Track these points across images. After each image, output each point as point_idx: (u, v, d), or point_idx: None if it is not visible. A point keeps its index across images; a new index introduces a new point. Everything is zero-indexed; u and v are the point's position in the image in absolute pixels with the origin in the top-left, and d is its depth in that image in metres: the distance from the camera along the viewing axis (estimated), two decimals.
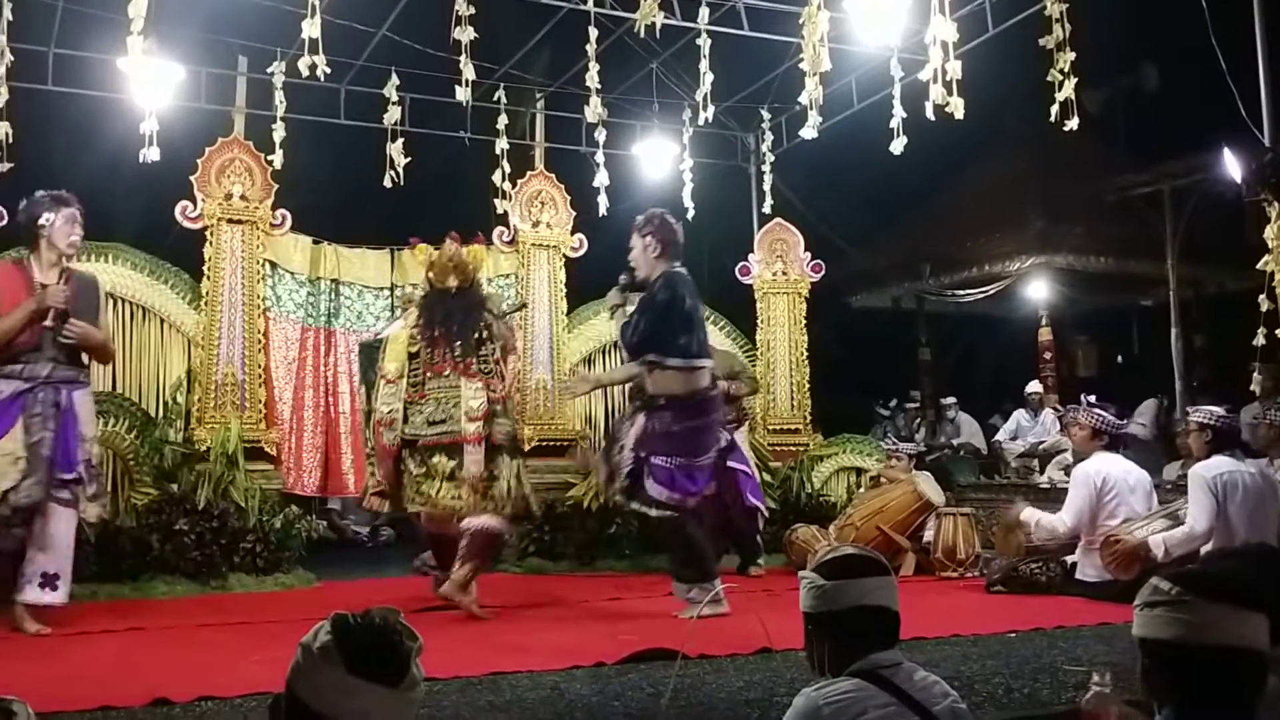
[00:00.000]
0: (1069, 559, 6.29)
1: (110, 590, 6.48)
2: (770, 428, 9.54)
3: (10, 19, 7.49)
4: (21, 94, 7.79)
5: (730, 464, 7.51)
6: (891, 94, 7.34)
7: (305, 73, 5.92)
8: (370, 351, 6.32)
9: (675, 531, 5.56)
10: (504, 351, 6.17)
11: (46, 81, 8.18)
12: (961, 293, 13.22)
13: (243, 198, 7.99)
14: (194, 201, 7.87)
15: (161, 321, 7.76)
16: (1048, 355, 12.99)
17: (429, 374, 5.94)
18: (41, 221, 5.36)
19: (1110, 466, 6.20)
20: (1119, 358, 15.61)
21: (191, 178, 7.89)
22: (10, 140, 7.54)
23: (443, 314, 6.04)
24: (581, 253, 9.22)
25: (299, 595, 6.90)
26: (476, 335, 6.06)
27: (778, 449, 9.38)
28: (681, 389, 5.52)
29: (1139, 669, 2.03)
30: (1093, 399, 6.53)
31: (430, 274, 6.20)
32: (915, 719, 2.21)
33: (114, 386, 7.42)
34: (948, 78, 6.08)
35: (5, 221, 6.85)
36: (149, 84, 6.92)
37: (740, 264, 9.93)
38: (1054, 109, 6.65)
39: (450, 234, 6.26)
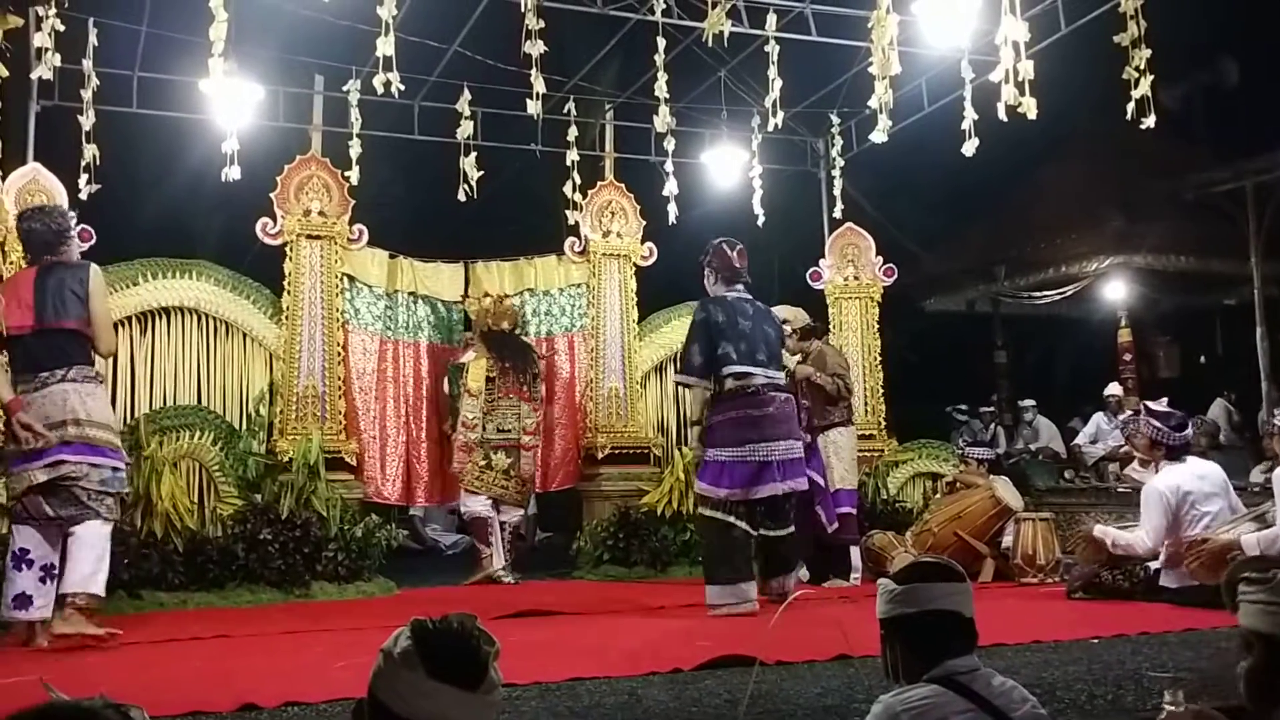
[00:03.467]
0: (1152, 565, 6.17)
1: (198, 599, 6.66)
2: None
3: (96, 44, 7.74)
4: (107, 117, 8.04)
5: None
6: (962, 96, 7.27)
7: (380, 90, 6.06)
8: (455, 373, 8.16)
9: (699, 526, 6.02)
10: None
11: (131, 104, 8.43)
12: (1038, 294, 13.02)
13: (321, 214, 8.15)
14: (274, 218, 8.05)
15: (244, 336, 7.93)
16: (1127, 357, 12.74)
17: (501, 395, 8.05)
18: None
19: (1181, 478, 6.05)
20: (1201, 358, 15.24)
21: (271, 195, 8.06)
22: (98, 162, 7.78)
23: (510, 352, 8.17)
24: (652, 261, 9.28)
25: (380, 602, 7.01)
26: (534, 372, 8.23)
27: None
28: (723, 389, 5.98)
29: (1241, 668, 1.97)
30: (1153, 404, 6.35)
31: (488, 319, 8.23)
32: None
33: (199, 400, 7.62)
34: (1020, 78, 6.03)
35: (94, 240, 7.04)
36: (229, 104, 7.12)
37: (811, 269, 9.92)
38: (1130, 107, 6.53)
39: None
